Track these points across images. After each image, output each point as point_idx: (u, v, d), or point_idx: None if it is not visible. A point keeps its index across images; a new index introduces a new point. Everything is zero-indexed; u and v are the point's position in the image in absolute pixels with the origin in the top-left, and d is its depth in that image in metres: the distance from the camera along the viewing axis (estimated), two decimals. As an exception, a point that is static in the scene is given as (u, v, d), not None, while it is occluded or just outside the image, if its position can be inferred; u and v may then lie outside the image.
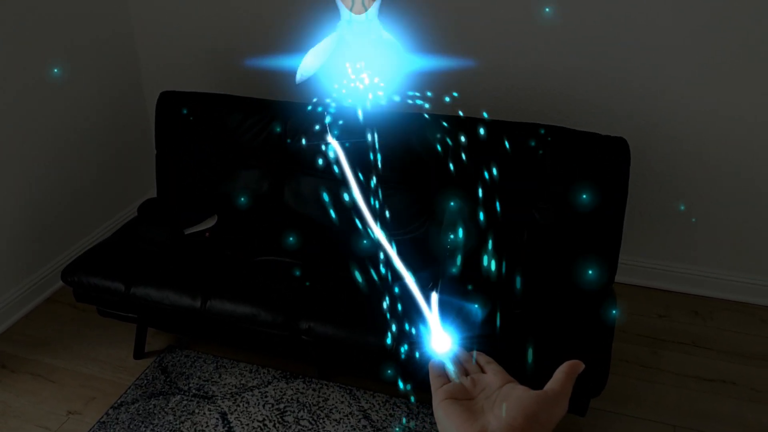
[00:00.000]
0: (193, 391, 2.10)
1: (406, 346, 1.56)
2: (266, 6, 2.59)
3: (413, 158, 2.15)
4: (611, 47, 2.24)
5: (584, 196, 1.99)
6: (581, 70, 2.30)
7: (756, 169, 2.28)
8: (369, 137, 1.86)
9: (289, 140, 2.26)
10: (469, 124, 2.11)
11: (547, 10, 2.23)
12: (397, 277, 0.77)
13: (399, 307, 0.95)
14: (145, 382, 2.14)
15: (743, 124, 2.22)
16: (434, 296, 0.71)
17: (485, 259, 1.68)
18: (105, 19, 2.70)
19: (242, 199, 2.32)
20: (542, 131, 2.04)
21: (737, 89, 2.18)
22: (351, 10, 0.91)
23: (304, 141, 2.24)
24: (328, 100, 1.01)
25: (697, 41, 2.14)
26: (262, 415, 2.01)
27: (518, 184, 2.05)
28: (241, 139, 2.34)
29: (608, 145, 1.99)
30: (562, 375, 0.62)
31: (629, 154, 1.97)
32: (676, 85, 2.22)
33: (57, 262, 2.60)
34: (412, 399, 2.04)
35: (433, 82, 1.31)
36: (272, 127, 2.30)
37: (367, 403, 2.05)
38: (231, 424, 1.98)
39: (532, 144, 2.03)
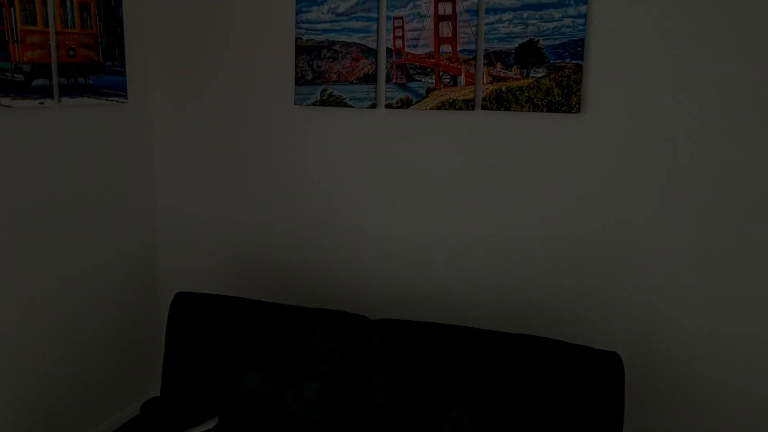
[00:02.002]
0: None
1: None
2: (281, 218, 2.83)
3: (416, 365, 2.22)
4: (604, 260, 2.39)
5: (578, 413, 2.02)
6: (574, 283, 2.44)
7: (762, 383, 2.28)
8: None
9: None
10: (457, 333, 2.20)
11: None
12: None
13: None
14: None
15: (748, 339, 2.27)
16: None
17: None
18: (130, 224, 2.92)
19: (245, 400, 2.36)
20: (532, 343, 2.13)
21: (737, 302, 2.26)
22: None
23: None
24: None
25: (692, 253, 2.30)
26: None
27: (507, 398, 2.09)
28: (248, 341, 2.42)
29: (601, 359, 2.06)
30: None
31: (623, 369, 2.03)
32: (671, 298, 2.33)
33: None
34: None
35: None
36: (279, 331, 2.40)
37: None
38: None
39: (522, 355, 2.11)
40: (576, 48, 2.31)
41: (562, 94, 2.34)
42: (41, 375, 2.53)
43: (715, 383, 2.32)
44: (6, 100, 2.26)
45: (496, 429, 2.07)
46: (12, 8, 2.25)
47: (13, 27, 2.27)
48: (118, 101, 2.75)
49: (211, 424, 2.21)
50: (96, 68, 2.62)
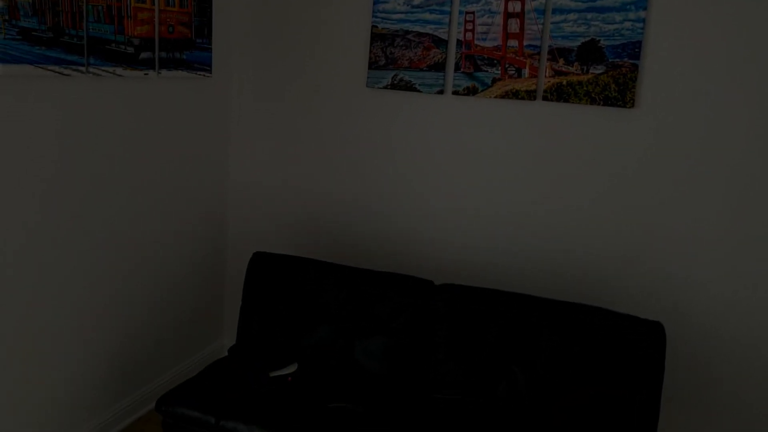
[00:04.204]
0: None
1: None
2: (349, 191, 3.09)
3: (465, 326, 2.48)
4: (646, 236, 2.65)
5: (623, 376, 2.28)
6: (619, 255, 2.70)
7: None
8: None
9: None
10: (514, 299, 2.46)
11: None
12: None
13: None
14: None
15: None
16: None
17: None
18: (206, 187, 3.18)
19: (316, 352, 2.63)
20: (583, 310, 2.39)
21: None
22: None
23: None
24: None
25: (729, 229, 2.56)
26: None
27: (559, 360, 2.35)
28: (319, 298, 2.69)
29: (645, 327, 2.32)
30: None
31: (665, 337, 2.29)
32: (710, 272, 2.58)
33: (146, 391, 2.93)
34: None
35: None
36: (349, 291, 2.66)
37: None
38: None
39: (574, 322, 2.37)
40: (634, 49, 2.55)
41: (618, 90, 2.58)
42: (134, 321, 2.80)
43: (749, 351, 2.58)
44: (120, 70, 2.51)
45: (549, 386, 2.34)
46: (128, -14, 2.50)
47: (128, 3, 2.51)
48: (204, 75, 3.00)
49: (292, 368, 2.47)
50: (189, 44, 2.87)
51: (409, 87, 2.90)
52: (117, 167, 2.60)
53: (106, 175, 2.55)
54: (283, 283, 2.75)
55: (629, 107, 2.58)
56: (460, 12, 2.77)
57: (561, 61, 2.65)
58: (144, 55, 2.62)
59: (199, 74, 2.97)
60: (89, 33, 2.36)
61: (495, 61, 2.75)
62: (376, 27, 2.92)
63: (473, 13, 2.76)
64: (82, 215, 2.47)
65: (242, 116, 3.25)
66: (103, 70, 2.44)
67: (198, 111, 3.02)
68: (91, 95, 2.42)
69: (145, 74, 2.64)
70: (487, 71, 2.77)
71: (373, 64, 2.94)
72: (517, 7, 2.69)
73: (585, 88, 2.63)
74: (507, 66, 2.73)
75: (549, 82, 2.68)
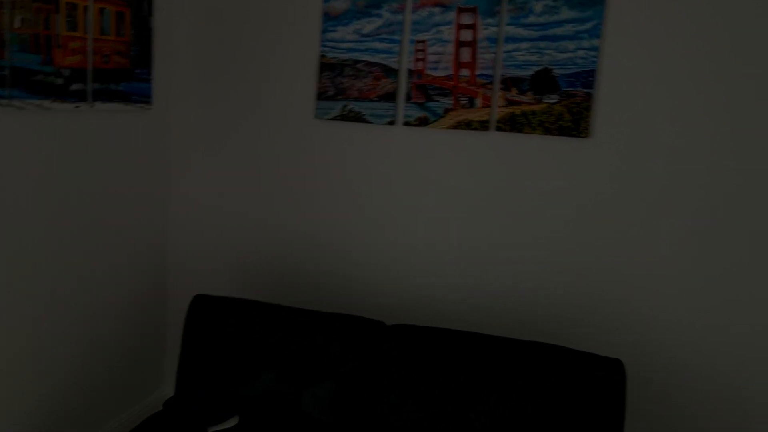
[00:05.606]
0: None
1: None
2: (296, 225, 2.94)
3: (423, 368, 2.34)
4: (606, 271, 2.55)
5: (582, 417, 2.15)
6: (578, 290, 2.59)
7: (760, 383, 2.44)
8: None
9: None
10: (468, 339, 2.33)
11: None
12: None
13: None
14: None
15: (751, 347, 2.44)
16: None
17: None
18: (144, 225, 3.01)
19: (261, 401, 2.45)
20: (540, 349, 2.27)
21: (736, 309, 2.43)
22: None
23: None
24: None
25: (692, 261, 2.47)
26: None
27: (516, 403, 2.22)
28: (264, 343, 2.52)
29: (603, 365, 2.20)
30: None
31: (625, 375, 2.17)
32: (670, 305, 2.49)
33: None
34: None
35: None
36: (296, 334, 2.50)
37: None
38: None
39: (531, 362, 2.24)
40: (587, 78, 2.48)
41: (573, 120, 2.51)
42: (58, 372, 2.59)
43: (713, 386, 2.48)
44: (47, 103, 2.35)
45: (506, 429, 2.20)
46: (57, 14, 2.35)
47: (58, 32, 2.36)
48: (143, 107, 2.85)
49: (233, 422, 2.29)
50: (126, 75, 2.72)
51: (358, 118, 2.79)
52: (43, 204, 2.42)
53: (31, 212, 2.38)
54: (225, 327, 2.58)
55: (584, 137, 2.50)
56: (411, 41, 2.68)
57: (514, 90, 2.57)
58: (75, 86, 2.47)
59: (138, 106, 2.82)
60: (12, 63, 2.20)
61: (447, 91, 2.66)
62: (325, 56, 2.81)
63: (424, 41, 2.67)
64: (4, 253, 2.28)
65: (185, 149, 3.10)
66: (28, 103, 2.27)
67: (136, 144, 2.87)
68: (12, 130, 2.25)
69: (77, 107, 2.48)
70: (438, 101, 2.67)
71: (321, 95, 2.83)
72: (469, 36, 2.61)
73: (539, 118, 2.55)
74: (459, 96, 2.64)
75: (502, 111, 2.59)
